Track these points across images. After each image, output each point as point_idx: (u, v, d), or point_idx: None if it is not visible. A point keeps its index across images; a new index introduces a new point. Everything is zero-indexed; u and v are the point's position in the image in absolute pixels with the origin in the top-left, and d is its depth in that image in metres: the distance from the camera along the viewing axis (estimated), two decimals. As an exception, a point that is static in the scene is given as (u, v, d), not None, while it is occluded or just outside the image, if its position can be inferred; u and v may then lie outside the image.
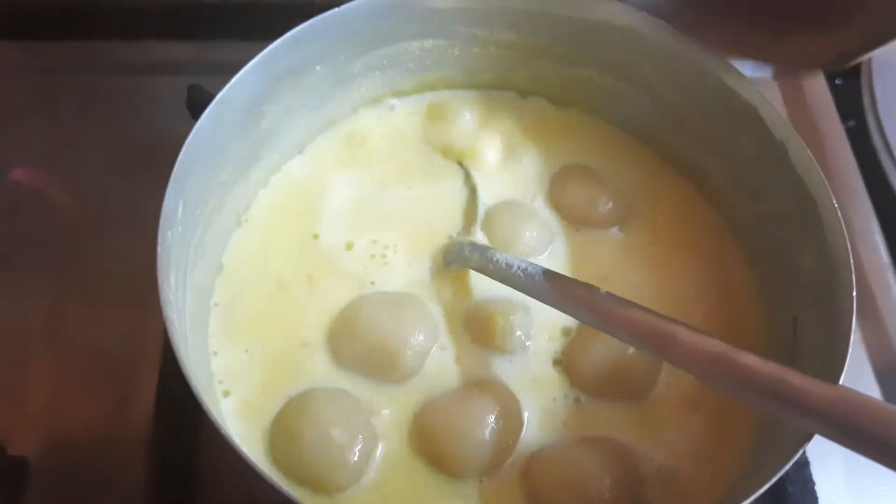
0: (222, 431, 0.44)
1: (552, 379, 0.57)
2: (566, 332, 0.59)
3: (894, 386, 0.71)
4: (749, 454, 0.53)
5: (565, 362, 0.58)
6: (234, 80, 0.54)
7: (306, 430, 0.52)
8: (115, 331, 0.66)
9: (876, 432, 0.40)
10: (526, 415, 0.56)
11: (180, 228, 0.52)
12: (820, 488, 0.61)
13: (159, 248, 0.48)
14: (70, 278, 0.69)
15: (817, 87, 0.88)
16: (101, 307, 0.67)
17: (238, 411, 0.55)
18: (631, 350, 0.56)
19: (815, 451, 0.61)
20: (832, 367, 0.49)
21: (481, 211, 0.64)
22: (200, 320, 0.57)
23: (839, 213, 0.52)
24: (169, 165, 0.51)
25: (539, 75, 0.69)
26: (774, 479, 0.44)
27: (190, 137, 0.52)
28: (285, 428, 0.54)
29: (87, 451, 0.61)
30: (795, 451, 0.46)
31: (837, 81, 0.89)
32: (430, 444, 0.54)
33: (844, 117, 0.86)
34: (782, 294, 0.59)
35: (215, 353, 0.57)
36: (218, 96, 0.54)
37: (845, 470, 0.65)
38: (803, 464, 0.61)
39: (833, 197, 0.52)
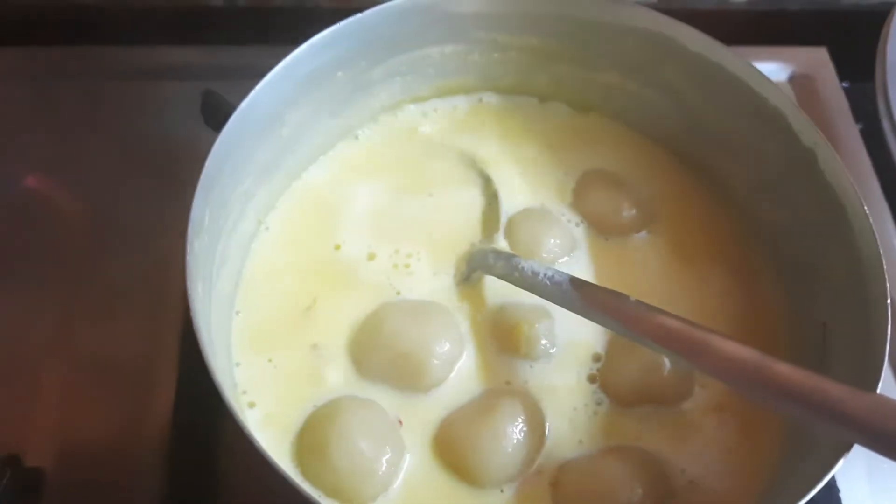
0: (253, 442, 0.43)
1: (581, 387, 0.57)
2: (595, 340, 0.59)
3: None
4: (779, 464, 0.53)
5: (596, 370, 0.57)
6: (259, 85, 0.54)
7: (334, 440, 0.52)
8: (128, 341, 0.65)
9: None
10: (549, 425, 0.55)
11: (206, 238, 0.52)
12: (844, 494, 0.61)
13: (188, 258, 0.48)
14: (81, 288, 0.68)
15: (831, 90, 0.88)
16: (113, 317, 0.66)
17: (263, 422, 0.54)
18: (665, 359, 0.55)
19: (844, 473, 0.61)
20: (866, 374, 0.48)
21: (503, 218, 0.63)
22: (223, 330, 0.56)
23: (871, 221, 0.52)
24: (182, 173, 0.50)
25: (559, 80, 0.68)
26: (811, 495, 0.44)
27: (216, 145, 0.52)
28: (312, 438, 0.53)
29: (103, 462, 0.61)
30: (833, 464, 0.45)
31: (845, 85, 0.89)
32: (454, 454, 0.53)
33: (856, 119, 0.86)
34: (810, 301, 0.58)
35: (238, 364, 0.56)
36: (243, 103, 0.53)
37: (868, 474, 0.64)
38: (830, 485, 0.61)
39: (864, 204, 0.52)
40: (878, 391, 0.47)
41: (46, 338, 0.65)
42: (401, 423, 0.54)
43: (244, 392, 0.55)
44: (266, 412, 0.55)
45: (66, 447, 0.61)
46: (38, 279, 0.68)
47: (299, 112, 0.60)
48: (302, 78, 0.58)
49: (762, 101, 0.58)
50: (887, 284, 0.49)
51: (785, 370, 0.43)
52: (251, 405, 0.55)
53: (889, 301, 0.49)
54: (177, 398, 0.60)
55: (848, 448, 0.45)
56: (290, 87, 0.57)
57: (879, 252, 0.51)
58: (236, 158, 0.55)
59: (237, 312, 0.58)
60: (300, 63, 0.57)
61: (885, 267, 0.50)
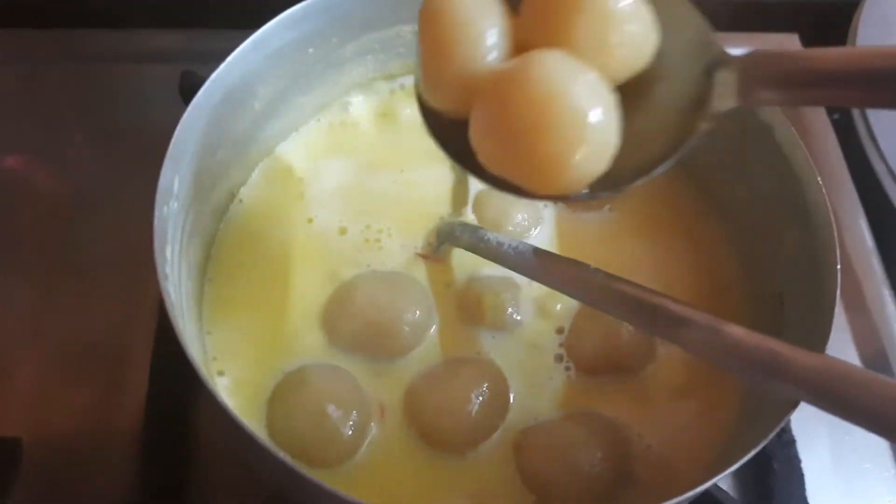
0: (220, 403, 0.44)
1: (546, 356, 0.58)
2: (559, 307, 0.60)
3: (880, 371, 0.71)
4: (735, 426, 0.54)
5: (562, 341, 0.59)
6: (228, 59, 0.55)
7: (301, 406, 0.53)
8: (105, 318, 0.66)
9: (859, 398, 0.41)
10: (514, 392, 0.56)
11: (176, 204, 0.53)
12: (806, 465, 0.62)
13: (156, 222, 0.49)
14: (58, 267, 0.69)
15: (803, 77, 0.88)
16: (90, 295, 0.67)
17: (233, 389, 0.56)
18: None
19: (801, 429, 0.63)
20: (817, 338, 0.50)
21: (472, 192, 0.64)
22: (194, 298, 0.57)
23: (824, 191, 0.53)
24: (161, 154, 0.51)
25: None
26: (761, 446, 0.45)
27: (185, 114, 0.53)
28: (281, 403, 0.54)
29: (79, 436, 0.61)
30: (780, 419, 0.46)
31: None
32: (419, 418, 0.55)
33: (830, 110, 0.87)
34: (767, 273, 0.59)
35: (209, 333, 0.58)
36: (213, 75, 0.55)
37: (830, 447, 0.65)
38: (789, 442, 0.62)
39: (819, 175, 0.53)
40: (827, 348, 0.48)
41: (20, 316, 0.66)
42: (383, 413, 0.55)
43: (214, 359, 0.57)
44: (236, 378, 0.56)
45: (42, 421, 0.62)
46: (15, 262, 0.69)
47: (270, 87, 0.61)
48: (272, 53, 0.59)
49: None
50: (838, 252, 0.51)
51: (736, 332, 0.45)
52: (220, 373, 0.56)
53: (839, 267, 0.50)
54: (151, 379, 0.61)
55: (793, 406, 0.46)
56: (260, 61, 0.58)
57: (831, 220, 0.52)
58: (208, 129, 0.56)
59: (209, 280, 0.59)
60: (270, 38, 0.58)
61: (835, 234, 0.51)
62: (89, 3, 0.86)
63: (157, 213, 0.49)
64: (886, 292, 0.75)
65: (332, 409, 0.53)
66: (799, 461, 0.62)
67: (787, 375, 0.43)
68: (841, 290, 0.50)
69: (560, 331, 0.60)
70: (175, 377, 0.59)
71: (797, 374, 0.42)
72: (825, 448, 0.65)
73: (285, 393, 0.55)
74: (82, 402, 0.63)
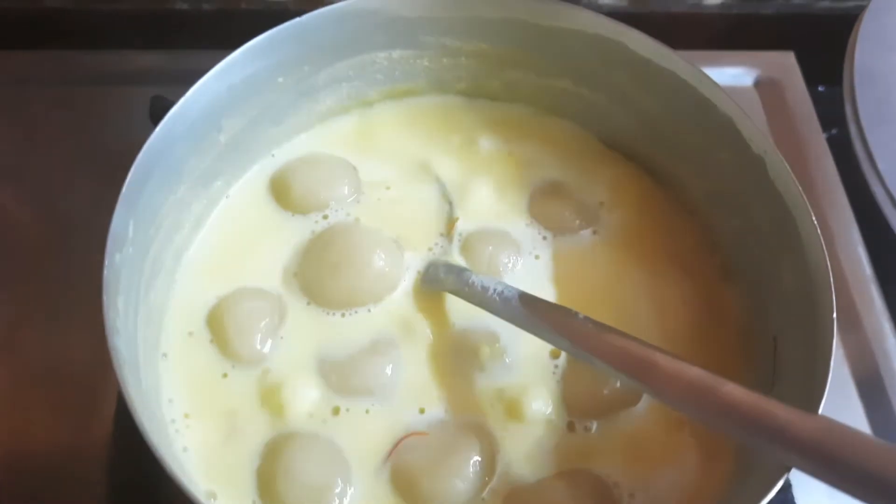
0: (171, 474, 0.41)
1: (539, 402, 0.55)
2: (553, 354, 0.57)
3: (876, 399, 0.69)
4: (728, 483, 0.51)
5: (555, 383, 0.56)
6: (187, 94, 0.53)
7: (280, 477, 0.50)
8: (75, 348, 0.64)
9: (859, 465, 0.38)
10: (502, 449, 0.53)
11: (131, 249, 0.50)
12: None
13: (106, 272, 0.46)
14: (29, 293, 0.67)
15: (798, 95, 0.86)
16: (60, 323, 0.65)
17: (196, 439, 0.53)
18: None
19: (798, 473, 0.60)
20: (813, 390, 0.47)
21: (459, 228, 0.62)
22: (153, 344, 0.54)
23: (819, 231, 0.50)
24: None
25: (512, 85, 0.67)
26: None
27: (141, 154, 0.50)
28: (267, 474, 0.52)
29: (47, 470, 0.60)
30: (774, 482, 0.44)
31: (820, 88, 0.88)
32: (405, 482, 0.52)
33: (826, 126, 0.85)
34: (762, 312, 0.57)
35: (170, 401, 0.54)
36: (171, 110, 0.52)
37: (828, 494, 0.63)
38: (785, 487, 0.59)
39: (813, 214, 0.51)
40: (822, 405, 0.45)
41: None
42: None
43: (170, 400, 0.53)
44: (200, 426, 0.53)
45: (9, 455, 0.60)
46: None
47: (237, 118, 0.58)
48: (238, 83, 0.56)
49: (712, 108, 0.57)
50: (833, 298, 0.48)
51: (733, 392, 0.42)
52: (187, 416, 0.53)
53: (835, 315, 0.47)
54: (118, 404, 0.59)
55: (786, 470, 0.43)
56: (225, 92, 0.56)
57: (827, 264, 0.49)
58: (168, 166, 0.53)
59: (168, 328, 0.56)
60: (235, 68, 0.55)
61: (831, 280, 0.48)
62: (64, 23, 0.85)
63: (107, 261, 0.46)
64: (885, 321, 0.73)
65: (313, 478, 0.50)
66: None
67: (785, 441, 0.40)
68: (836, 314, 0.48)
69: (553, 378, 0.56)
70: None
71: (795, 438, 0.40)
72: (822, 493, 0.63)
73: (270, 461, 0.52)
74: (50, 433, 0.61)
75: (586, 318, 0.49)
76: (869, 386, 0.70)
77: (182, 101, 0.52)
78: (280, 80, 0.60)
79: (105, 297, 0.45)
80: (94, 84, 0.80)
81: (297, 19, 0.57)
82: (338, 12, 0.58)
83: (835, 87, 0.84)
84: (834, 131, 0.86)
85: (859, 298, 0.74)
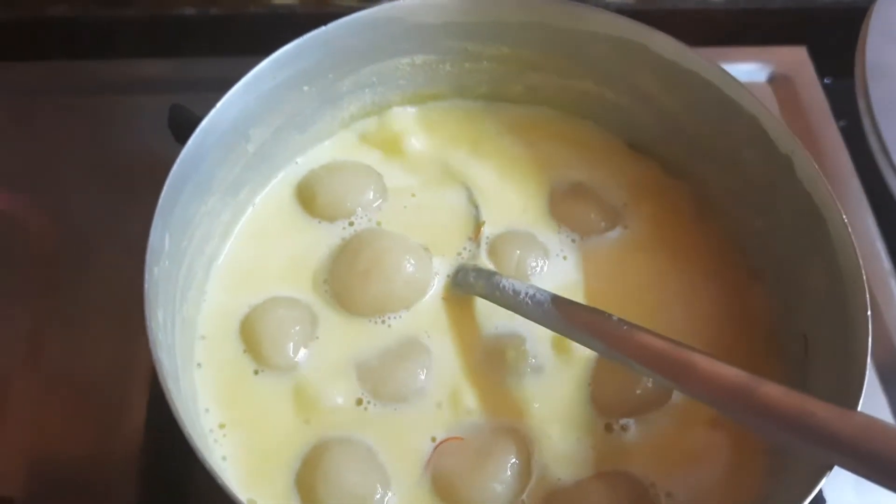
0: (217, 480, 0.42)
1: (574, 403, 0.55)
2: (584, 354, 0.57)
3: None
4: (764, 482, 0.52)
5: (587, 383, 0.56)
6: (217, 105, 0.52)
7: (321, 484, 0.51)
8: (100, 359, 0.64)
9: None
10: (537, 451, 0.54)
11: (167, 262, 0.50)
12: None
13: (146, 286, 0.46)
14: (51, 306, 0.67)
15: (811, 90, 0.86)
16: (83, 335, 0.65)
17: (236, 450, 0.53)
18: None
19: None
20: (848, 389, 0.47)
21: (486, 232, 0.62)
22: (188, 354, 0.54)
23: (850, 230, 0.50)
24: (151, 187, 0.49)
25: (535, 88, 0.67)
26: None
27: (175, 167, 0.50)
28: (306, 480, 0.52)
29: (74, 487, 0.60)
30: (817, 480, 0.44)
31: (826, 81, 0.88)
32: (445, 486, 0.52)
33: (836, 117, 0.85)
34: (790, 310, 0.57)
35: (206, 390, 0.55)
36: (202, 123, 0.52)
37: (856, 484, 0.63)
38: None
39: (843, 213, 0.51)
40: (861, 402, 0.46)
41: (13, 359, 0.64)
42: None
43: (206, 410, 0.54)
44: (239, 439, 0.53)
45: (36, 473, 0.60)
46: (8, 296, 0.67)
47: (265, 128, 0.59)
48: (266, 93, 0.56)
49: (737, 107, 0.57)
50: (867, 297, 0.48)
51: (771, 391, 0.42)
52: (222, 426, 0.53)
53: (869, 314, 0.48)
54: (148, 418, 0.59)
55: (828, 469, 0.44)
56: (253, 103, 0.56)
57: (859, 263, 0.49)
58: (199, 178, 0.53)
59: (202, 337, 0.56)
60: (263, 79, 0.55)
61: (864, 279, 0.49)
62: (76, 31, 0.85)
63: (147, 276, 0.46)
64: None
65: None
66: (824, 501, 0.60)
67: (824, 439, 0.40)
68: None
69: (585, 376, 0.57)
70: (173, 424, 0.56)
71: (835, 437, 0.40)
72: (850, 487, 0.63)
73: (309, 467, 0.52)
74: (77, 448, 0.61)
75: (620, 320, 0.49)
76: (891, 377, 0.70)
77: (212, 113, 0.52)
78: (305, 88, 0.60)
79: (147, 311, 0.45)
80: (105, 93, 0.79)
81: (323, 28, 0.57)
82: (362, 21, 0.58)
83: (842, 80, 0.85)
84: (843, 123, 0.86)
85: (879, 292, 0.74)
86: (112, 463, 0.60)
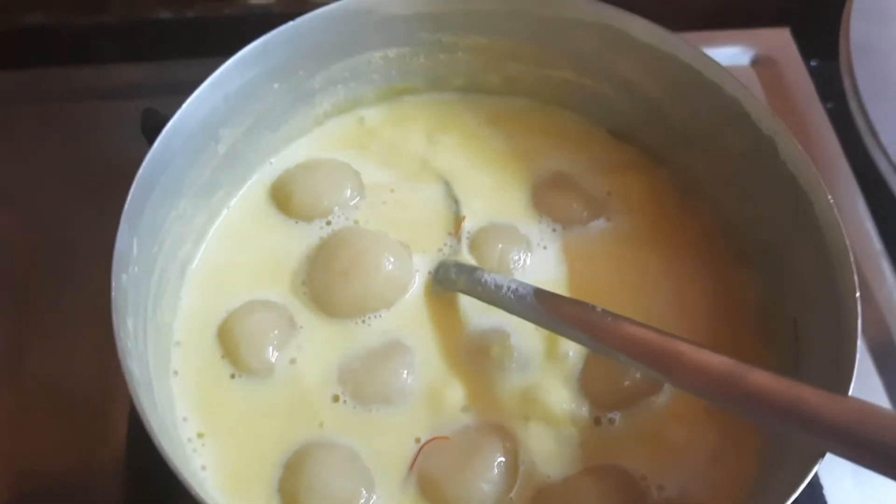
0: (195, 496, 0.40)
1: (562, 398, 0.54)
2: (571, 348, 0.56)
3: (893, 373, 0.69)
4: (757, 471, 0.51)
5: (574, 379, 0.55)
6: (183, 106, 0.51)
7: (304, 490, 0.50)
8: (82, 367, 0.63)
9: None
10: (524, 447, 0.52)
11: (136, 268, 0.49)
12: (829, 493, 0.59)
13: (114, 294, 0.45)
14: (31, 315, 0.66)
15: (796, 71, 0.86)
16: (65, 344, 0.64)
17: (215, 458, 0.51)
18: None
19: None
20: (839, 373, 0.46)
21: (467, 227, 0.61)
22: (163, 362, 0.53)
23: (836, 212, 0.49)
24: (128, 193, 0.48)
25: (512, 78, 0.66)
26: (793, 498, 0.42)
27: (141, 170, 0.49)
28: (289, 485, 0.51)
29: (59, 496, 0.60)
30: (810, 467, 0.43)
31: (813, 63, 0.87)
32: (432, 487, 0.51)
33: (822, 100, 0.84)
34: (779, 294, 0.56)
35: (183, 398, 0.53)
36: (168, 125, 0.51)
37: (853, 470, 0.62)
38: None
39: (829, 195, 0.50)
40: (852, 385, 0.45)
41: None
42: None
43: (185, 419, 0.52)
44: (217, 445, 0.52)
45: (20, 482, 0.59)
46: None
47: (235, 128, 0.57)
48: (234, 92, 0.55)
49: (719, 91, 0.56)
50: (855, 279, 0.47)
51: (760, 379, 0.41)
52: (200, 436, 0.52)
53: (858, 295, 0.47)
54: (130, 424, 0.58)
55: (820, 456, 0.42)
56: (222, 102, 0.55)
57: (846, 244, 0.48)
58: (168, 181, 0.52)
59: (178, 344, 0.55)
60: (230, 77, 0.54)
61: (852, 260, 0.47)
62: (49, 39, 0.84)
63: (113, 283, 0.45)
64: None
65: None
66: (821, 488, 0.60)
67: (817, 426, 0.39)
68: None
69: (573, 370, 0.55)
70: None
71: (827, 423, 0.39)
72: (847, 472, 0.62)
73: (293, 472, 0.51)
74: (60, 456, 0.61)
75: (604, 311, 0.48)
76: (885, 360, 0.69)
77: (178, 113, 0.51)
78: (276, 86, 0.58)
79: (115, 319, 0.44)
80: (80, 100, 0.79)
81: (291, 23, 0.56)
82: (331, 14, 0.57)
83: (827, 62, 0.84)
84: (829, 105, 0.85)
85: (870, 273, 0.73)
86: (97, 471, 0.59)
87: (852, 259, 0.48)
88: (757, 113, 0.54)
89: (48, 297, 0.67)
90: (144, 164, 0.49)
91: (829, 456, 0.46)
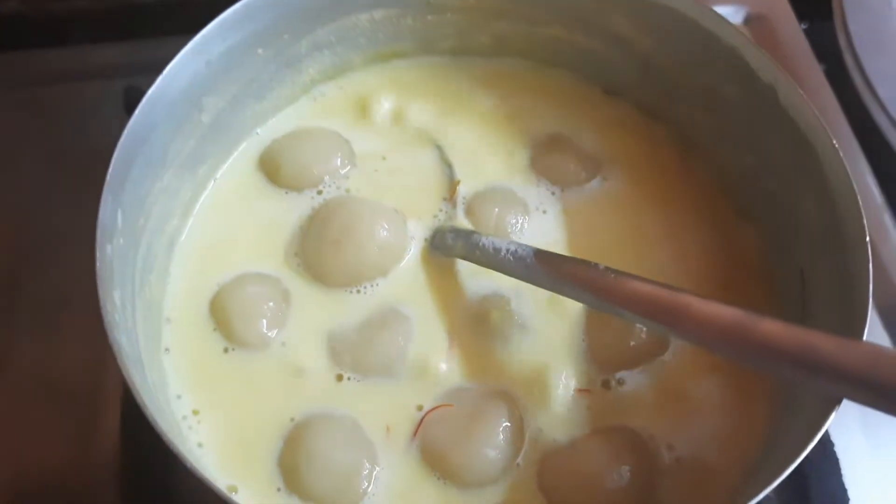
0: (191, 470, 0.39)
1: (566, 361, 0.53)
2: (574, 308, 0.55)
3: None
4: (768, 427, 0.50)
5: (579, 339, 0.54)
6: (165, 71, 0.50)
7: (304, 462, 0.48)
8: (72, 356, 0.61)
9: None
10: (529, 413, 0.51)
11: (122, 240, 0.47)
12: (839, 448, 0.58)
13: (98, 265, 0.43)
14: (19, 304, 0.64)
15: (790, 30, 0.84)
16: (54, 332, 0.63)
17: (210, 432, 0.50)
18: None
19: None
20: (851, 321, 0.45)
21: (462, 192, 0.59)
22: (154, 339, 0.52)
23: (841, 154, 0.48)
24: None
25: (503, 38, 0.64)
26: (801, 457, 0.41)
27: (122, 140, 0.48)
28: (290, 457, 0.49)
29: (57, 488, 0.58)
30: (821, 420, 0.42)
31: (803, 25, 0.86)
32: (436, 456, 0.50)
33: (818, 60, 0.83)
34: (784, 247, 0.55)
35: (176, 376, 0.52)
36: (148, 92, 0.49)
37: (863, 425, 0.61)
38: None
39: (833, 137, 0.48)
40: (865, 331, 0.43)
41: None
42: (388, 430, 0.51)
43: (178, 396, 0.51)
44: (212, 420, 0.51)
45: (13, 480, 0.58)
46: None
47: (219, 96, 0.56)
48: (217, 58, 0.53)
49: (715, 40, 0.55)
50: (864, 222, 0.46)
51: (771, 327, 0.40)
52: (196, 413, 0.51)
53: (868, 240, 0.45)
54: (123, 412, 0.57)
55: (836, 404, 0.41)
56: (203, 69, 0.53)
57: (854, 188, 0.47)
58: (150, 151, 0.51)
59: (169, 321, 0.53)
60: (212, 42, 0.52)
61: (860, 204, 0.46)
62: (26, 22, 0.81)
63: (98, 253, 0.43)
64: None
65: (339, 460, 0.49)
66: (832, 444, 0.58)
67: (831, 372, 0.38)
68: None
69: (577, 331, 0.54)
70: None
71: (842, 369, 0.38)
72: (857, 426, 0.61)
73: (293, 444, 0.50)
74: (53, 449, 0.59)
75: (607, 269, 0.47)
76: (892, 313, 0.68)
77: (159, 80, 0.49)
78: (260, 51, 0.57)
79: (101, 291, 0.42)
80: (61, 82, 0.77)
81: (272, -15, 0.54)
82: (314, -26, 0.55)
83: (819, 23, 0.82)
84: (823, 67, 0.83)
85: (873, 227, 0.70)
86: (91, 463, 0.58)
87: (860, 201, 0.46)
88: (756, 61, 0.53)
89: (33, 288, 0.65)
90: (126, 132, 0.48)
91: (838, 413, 0.46)
